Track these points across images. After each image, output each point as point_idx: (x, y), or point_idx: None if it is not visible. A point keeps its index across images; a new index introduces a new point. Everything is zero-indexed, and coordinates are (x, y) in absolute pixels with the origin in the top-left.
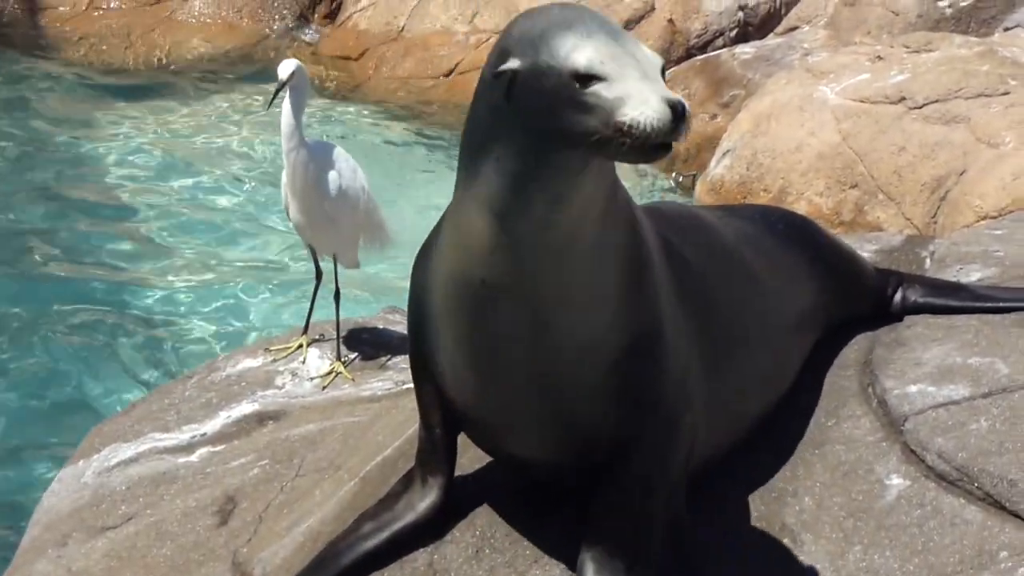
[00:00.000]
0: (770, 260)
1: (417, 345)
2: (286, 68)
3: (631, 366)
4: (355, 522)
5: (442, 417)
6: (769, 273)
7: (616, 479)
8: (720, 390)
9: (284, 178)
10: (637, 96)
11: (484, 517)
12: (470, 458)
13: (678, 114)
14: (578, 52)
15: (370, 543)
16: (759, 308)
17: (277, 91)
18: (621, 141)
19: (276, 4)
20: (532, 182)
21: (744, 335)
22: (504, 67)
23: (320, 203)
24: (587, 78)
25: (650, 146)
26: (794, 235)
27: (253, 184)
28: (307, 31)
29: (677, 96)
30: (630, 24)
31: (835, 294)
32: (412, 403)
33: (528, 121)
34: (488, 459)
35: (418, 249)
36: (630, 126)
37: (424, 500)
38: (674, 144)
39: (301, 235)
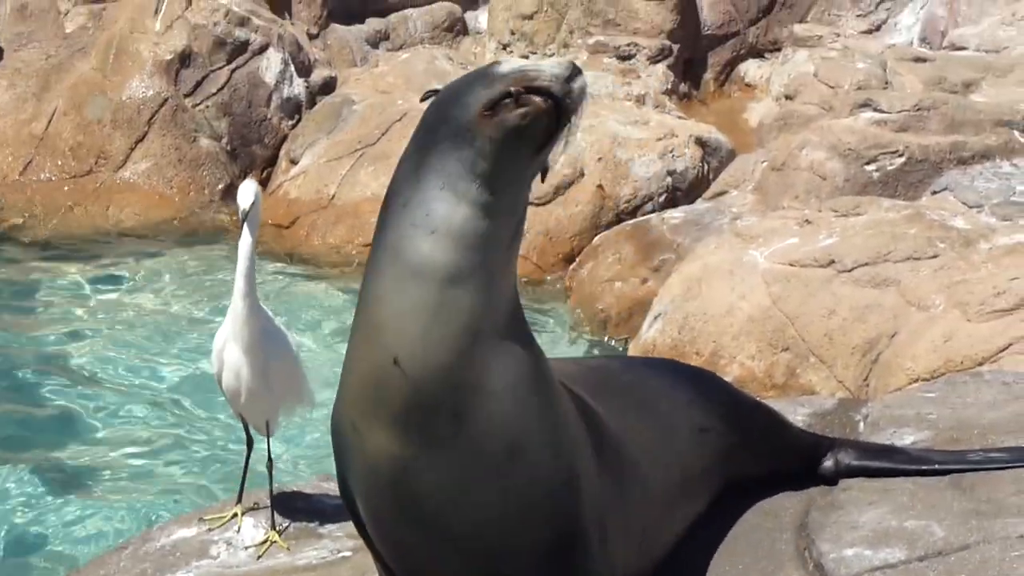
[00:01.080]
0: (674, 410)
1: (355, 521)
2: (247, 193)
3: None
4: None
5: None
6: (670, 426)
7: None
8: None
9: (218, 341)
10: (535, 62)
11: None
12: None
13: (574, 68)
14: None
15: None
16: (665, 460)
17: (243, 220)
18: (516, 96)
19: (206, 175)
20: None
21: (647, 481)
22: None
23: (258, 361)
24: (499, 63)
25: (539, 98)
26: (699, 388)
27: (186, 352)
28: (236, 200)
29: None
30: (560, 189)
31: (743, 447)
32: (348, 572)
33: (440, 124)
34: None
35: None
36: (531, 69)
37: None
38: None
39: (233, 402)
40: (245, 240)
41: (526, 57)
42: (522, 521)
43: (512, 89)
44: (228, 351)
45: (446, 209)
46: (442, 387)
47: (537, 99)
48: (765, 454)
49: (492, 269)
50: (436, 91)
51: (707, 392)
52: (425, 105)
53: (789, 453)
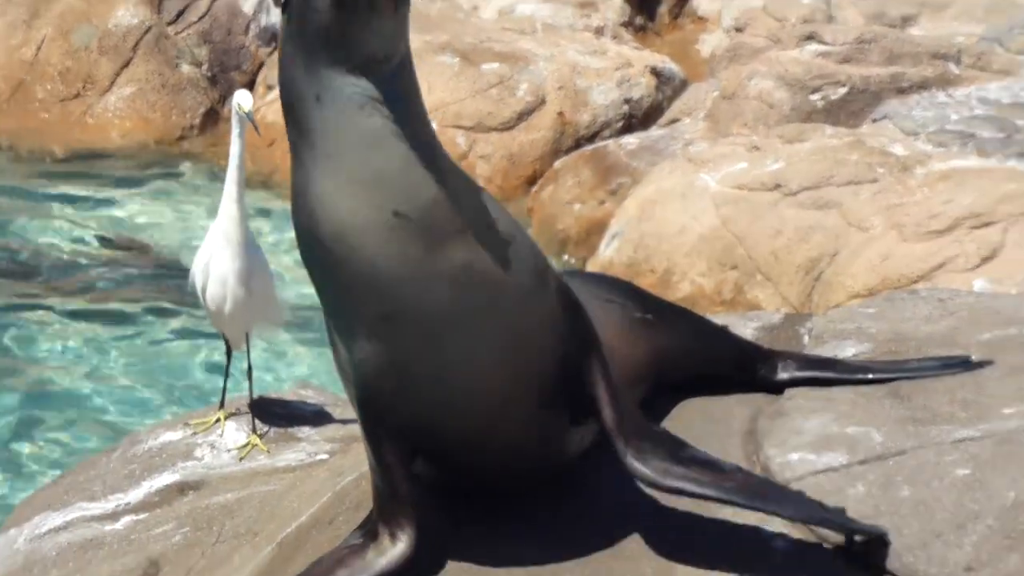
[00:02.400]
0: (612, 302)
1: (372, 393)
2: (247, 98)
3: (556, 284)
4: None
5: (404, 458)
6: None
7: (599, 394)
8: None
9: (201, 256)
10: None
11: (456, 567)
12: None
13: None
14: None
15: None
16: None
17: (248, 121)
18: None
19: (187, 100)
20: None
21: None
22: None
23: (244, 267)
24: None
25: None
26: (635, 290)
27: (168, 268)
28: (217, 123)
29: None
30: (523, 115)
31: (677, 343)
32: (325, 473)
33: (306, 29)
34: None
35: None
36: None
37: (393, 550)
38: None
39: (215, 314)
40: (236, 148)
41: None
42: (533, 279)
43: None
44: (215, 261)
45: (359, 89)
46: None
47: None
48: (701, 355)
49: (420, 114)
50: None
51: (642, 294)
52: None
53: (729, 360)
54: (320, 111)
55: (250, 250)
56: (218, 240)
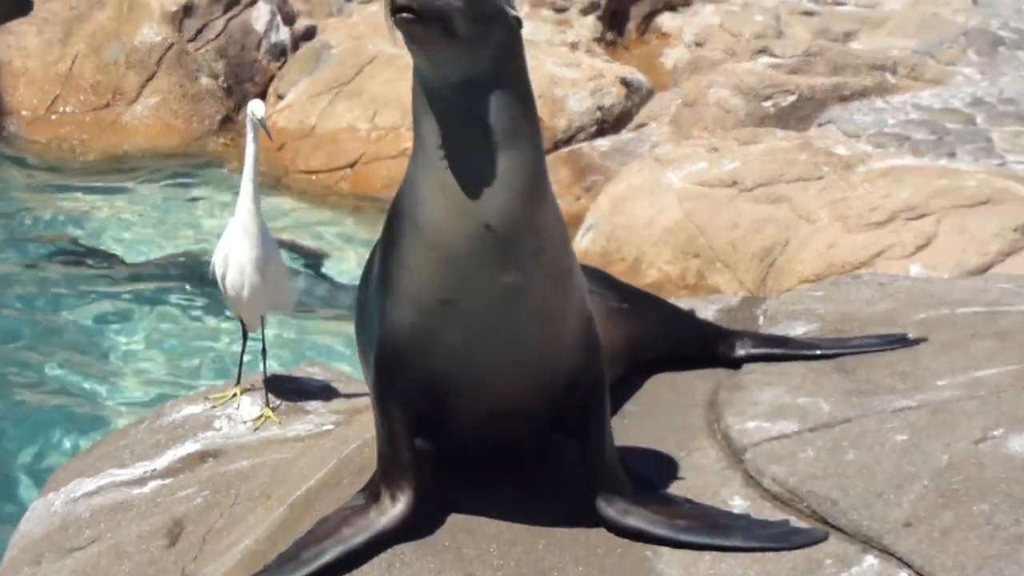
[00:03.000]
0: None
1: (393, 359)
2: (260, 107)
3: (588, 321)
4: (308, 538)
5: (409, 427)
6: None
7: (590, 430)
8: None
9: (222, 247)
10: None
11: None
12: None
13: None
14: None
15: (329, 555)
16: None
17: (262, 127)
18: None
19: (206, 109)
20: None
21: None
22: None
23: (260, 257)
24: None
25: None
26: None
27: (189, 257)
28: (232, 129)
29: None
30: None
31: (649, 329)
32: (331, 442)
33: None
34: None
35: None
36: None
37: (393, 510)
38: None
39: (234, 299)
40: (251, 152)
41: None
42: (575, 315)
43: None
44: (234, 252)
45: (441, 123)
46: (526, 232)
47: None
48: (670, 337)
49: (527, 138)
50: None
51: (618, 284)
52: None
53: (693, 340)
54: (430, 126)
55: (265, 241)
56: (236, 232)
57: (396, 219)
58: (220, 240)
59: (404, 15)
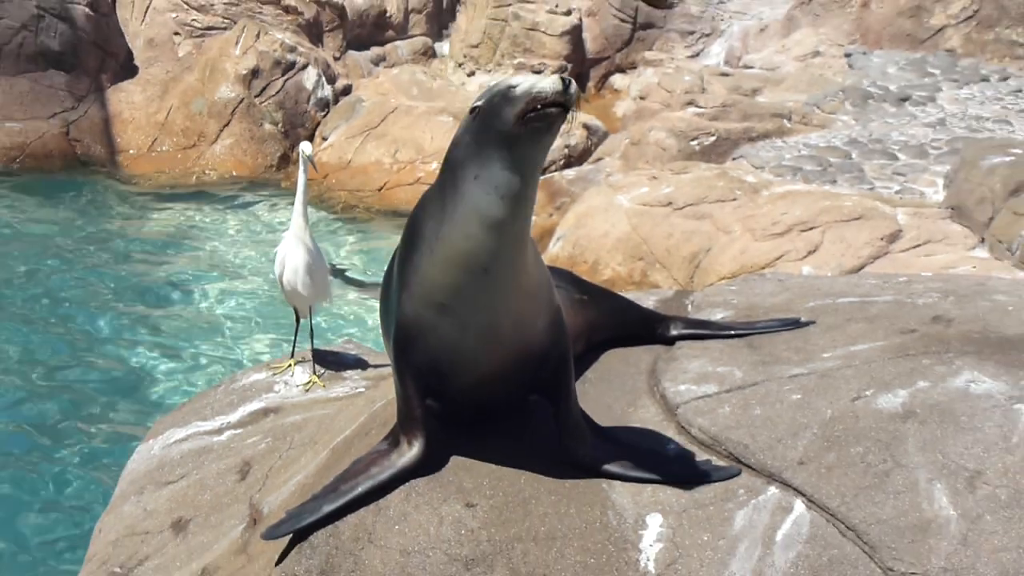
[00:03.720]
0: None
1: (407, 341)
2: (309, 147)
3: (556, 312)
4: (345, 475)
5: (420, 392)
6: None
7: (560, 393)
8: None
9: (280, 251)
10: (537, 80)
11: (453, 465)
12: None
13: (565, 82)
14: (507, 79)
15: (361, 488)
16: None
17: (308, 161)
18: (537, 107)
19: (268, 148)
20: (512, 181)
21: None
22: (474, 104)
23: (310, 259)
24: (512, 86)
25: (553, 109)
26: (574, 277)
27: (255, 261)
28: (288, 163)
29: (564, 76)
30: None
31: (602, 317)
32: (363, 401)
33: (489, 129)
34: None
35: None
36: (538, 91)
37: (409, 453)
38: (571, 111)
39: (290, 292)
40: (302, 179)
41: (472, 74)
42: (545, 310)
43: (534, 105)
44: (290, 255)
45: (507, 180)
46: (511, 272)
47: (553, 111)
48: (620, 321)
49: (529, 212)
50: (478, 106)
51: (580, 281)
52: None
53: (638, 324)
54: (474, 186)
55: (313, 249)
56: (291, 242)
57: (416, 235)
58: (279, 247)
59: (558, 108)
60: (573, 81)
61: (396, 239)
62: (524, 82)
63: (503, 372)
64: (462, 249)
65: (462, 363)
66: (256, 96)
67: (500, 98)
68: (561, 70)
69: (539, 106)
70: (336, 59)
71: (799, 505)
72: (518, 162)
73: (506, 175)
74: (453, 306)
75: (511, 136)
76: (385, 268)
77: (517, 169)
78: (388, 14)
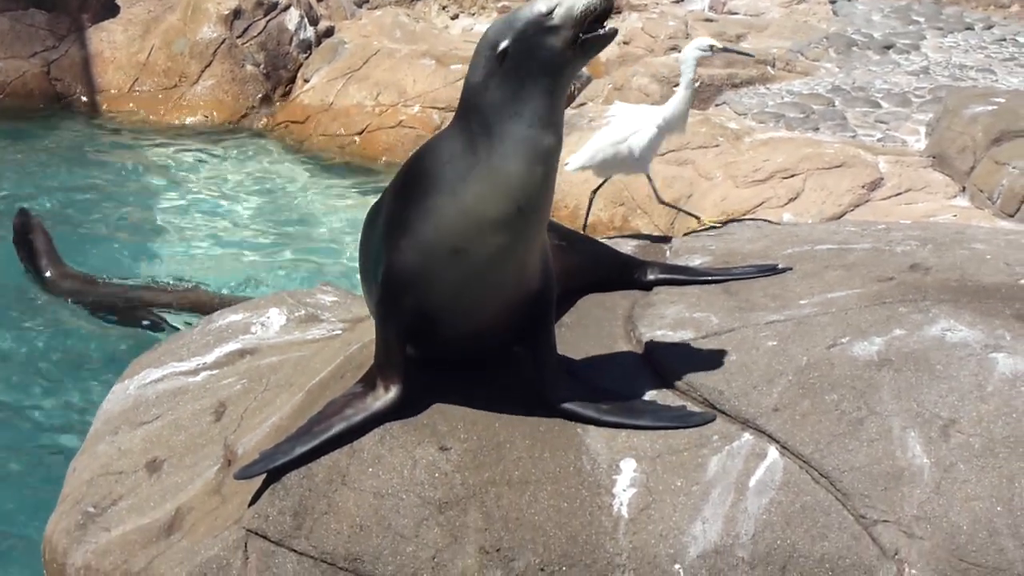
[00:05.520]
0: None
1: (401, 287)
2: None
3: (547, 252)
4: (319, 416)
5: (403, 338)
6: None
7: (540, 337)
8: None
9: (634, 119)
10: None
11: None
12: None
13: None
14: (523, 11)
15: (335, 429)
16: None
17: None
18: (584, 31)
19: (249, 89)
20: (549, 114)
21: None
22: (502, 45)
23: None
24: (545, 14)
25: (605, 28)
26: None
27: (234, 204)
28: (270, 105)
29: None
30: None
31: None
32: (338, 344)
33: (527, 66)
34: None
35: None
36: (585, 7)
37: (386, 396)
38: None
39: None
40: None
41: (455, 17)
42: (542, 250)
43: (582, 27)
44: (646, 128)
45: (550, 109)
46: (540, 214)
47: (609, 29)
48: (598, 266)
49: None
50: (505, 47)
51: (559, 227)
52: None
53: (615, 269)
54: (515, 123)
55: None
56: (654, 117)
57: (427, 180)
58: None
59: (610, 28)
60: None
61: (375, 182)
62: (559, 6)
63: (496, 320)
64: (508, 186)
65: (460, 311)
66: (238, 37)
67: (535, 30)
68: None
69: (589, 25)
70: (319, 0)
71: (773, 452)
72: (559, 88)
73: (547, 104)
74: (469, 251)
75: (557, 66)
76: (366, 215)
77: (558, 94)
78: None
